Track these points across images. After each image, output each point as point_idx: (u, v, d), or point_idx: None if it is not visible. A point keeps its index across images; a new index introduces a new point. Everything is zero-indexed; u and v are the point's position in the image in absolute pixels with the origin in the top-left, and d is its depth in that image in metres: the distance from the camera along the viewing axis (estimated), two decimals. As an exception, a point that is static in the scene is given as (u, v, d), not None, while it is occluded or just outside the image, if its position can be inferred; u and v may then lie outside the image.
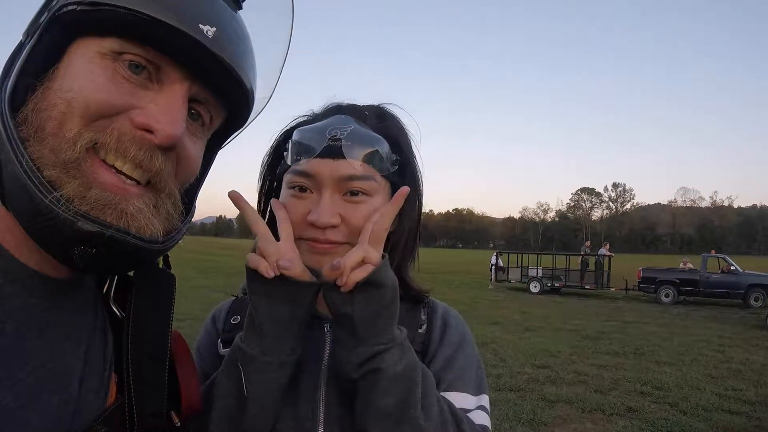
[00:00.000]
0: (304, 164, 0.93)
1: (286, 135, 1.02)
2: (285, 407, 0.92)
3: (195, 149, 0.74)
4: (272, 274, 0.83)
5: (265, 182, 1.08)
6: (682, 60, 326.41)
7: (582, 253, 22.38)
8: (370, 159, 0.93)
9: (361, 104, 1.05)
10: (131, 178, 0.65)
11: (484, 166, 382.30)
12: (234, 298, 1.15)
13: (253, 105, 0.80)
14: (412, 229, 1.06)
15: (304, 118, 1.05)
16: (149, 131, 0.63)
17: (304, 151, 0.93)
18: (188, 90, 0.68)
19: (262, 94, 0.82)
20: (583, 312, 15.17)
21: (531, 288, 21.13)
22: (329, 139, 0.91)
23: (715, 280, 17.79)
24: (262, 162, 1.08)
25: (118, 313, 0.79)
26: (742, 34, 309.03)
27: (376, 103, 1.07)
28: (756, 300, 16.77)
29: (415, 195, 1.05)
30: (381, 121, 1.02)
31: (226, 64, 0.68)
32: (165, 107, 0.64)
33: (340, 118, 0.96)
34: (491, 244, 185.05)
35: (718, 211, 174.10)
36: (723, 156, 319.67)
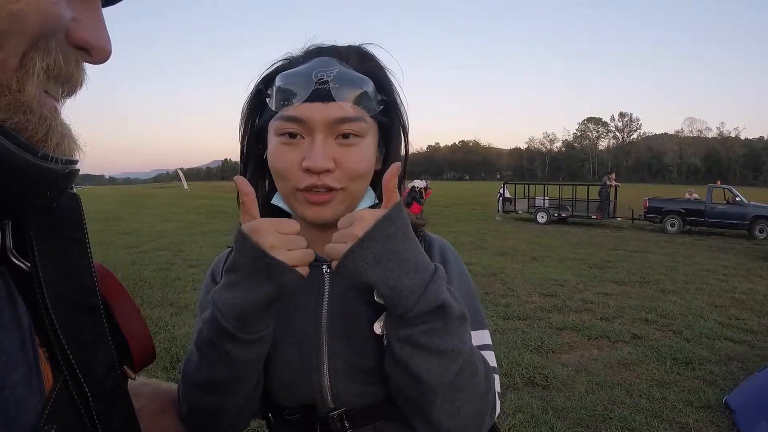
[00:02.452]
0: (294, 109, 0.90)
1: (266, 81, 0.99)
2: (289, 352, 0.96)
3: None
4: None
5: (248, 131, 1.03)
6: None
7: (601, 183, 21.90)
8: (360, 100, 0.92)
9: (341, 45, 1.01)
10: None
11: (490, 96, 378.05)
12: (230, 249, 1.02)
13: None
14: (402, 166, 1.04)
15: (283, 62, 1.01)
16: (84, 49, 0.54)
17: (290, 96, 0.91)
18: None
19: None
20: (590, 241, 15.29)
21: (538, 218, 21.22)
22: (316, 82, 0.89)
23: (720, 211, 17.77)
24: (242, 110, 1.03)
25: (22, 266, 0.58)
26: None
27: (355, 43, 1.03)
28: (761, 231, 16.78)
29: (401, 133, 1.04)
30: (363, 62, 0.99)
31: None
32: (96, 19, 0.55)
33: (323, 61, 0.93)
34: (498, 176, 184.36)
35: (725, 142, 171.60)
36: (731, 87, 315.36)
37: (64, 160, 0.53)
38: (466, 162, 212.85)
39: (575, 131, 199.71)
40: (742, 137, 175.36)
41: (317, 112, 0.89)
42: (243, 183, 0.85)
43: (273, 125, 0.94)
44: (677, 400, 4.44)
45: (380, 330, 0.89)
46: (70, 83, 0.54)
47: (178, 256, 11.73)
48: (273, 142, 0.94)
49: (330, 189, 0.92)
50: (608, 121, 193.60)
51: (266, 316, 0.86)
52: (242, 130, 1.03)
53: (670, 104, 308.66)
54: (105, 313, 0.66)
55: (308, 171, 0.90)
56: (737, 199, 17.78)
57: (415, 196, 20.15)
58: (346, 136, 0.91)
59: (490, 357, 0.99)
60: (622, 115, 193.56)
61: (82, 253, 0.63)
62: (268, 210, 1.01)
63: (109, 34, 0.56)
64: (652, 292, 8.46)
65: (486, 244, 14.05)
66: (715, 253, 13.46)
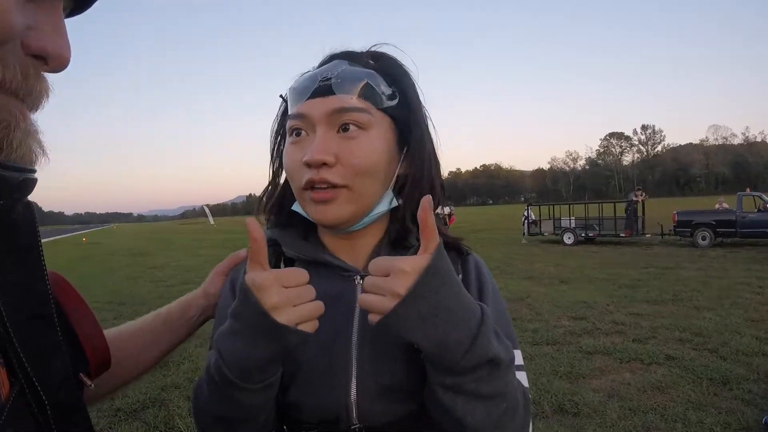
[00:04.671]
0: (298, 107, 0.92)
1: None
2: (317, 366, 0.93)
3: None
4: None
5: (277, 141, 1.06)
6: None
7: (628, 200, 21.67)
8: (363, 92, 0.91)
9: (351, 50, 1.02)
10: None
11: (509, 118, 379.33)
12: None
13: None
14: (426, 168, 0.99)
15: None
16: (42, 58, 0.52)
17: (298, 97, 0.93)
18: None
19: None
20: (619, 260, 15.04)
21: (565, 239, 21.01)
22: (320, 80, 0.91)
23: (752, 220, 17.32)
24: (272, 125, 1.07)
25: None
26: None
27: (372, 47, 1.04)
28: (797, 238, 16.39)
29: (419, 129, 0.99)
30: (376, 62, 1.00)
31: None
32: (56, 26, 0.52)
33: (333, 63, 0.96)
34: (522, 198, 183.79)
35: (752, 147, 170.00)
36: (753, 90, 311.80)
37: (18, 167, 0.52)
38: (489, 186, 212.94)
39: (598, 148, 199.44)
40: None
41: (317, 106, 0.90)
42: (253, 227, 0.80)
43: (286, 126, 0.96)
44: (714, 422, 4.27)
45: None
46: (32, 97, 0.52)
47: (204, 291, 11.81)
48: (286, 144, 0.97)
49: (332, 186, 0.90)
50: (631, 135, 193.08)
51: (272, 367, 0.83)
52: (272, 142, 1.07)
53: (693, 113, 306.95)
54: (61, 321, 0.64)
55: (308, 166, 0.89)
56: (768, 206, 17.40)
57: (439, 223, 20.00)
58: (346, 128, 0.90)
59: (523, 378, 0.96)
60: (644, 127, 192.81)
61: (35, 261, 0.62)
62: (292, 217, 1.03)
63: (71, 43, 0.54)
64: (685, 310, 8.25)
65: (512, 269, 13.89)
66: (750, 264, 13.14)
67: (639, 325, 7.42)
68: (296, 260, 0.99)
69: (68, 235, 71.82)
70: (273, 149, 1.06)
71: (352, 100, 0.90)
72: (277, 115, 1.06)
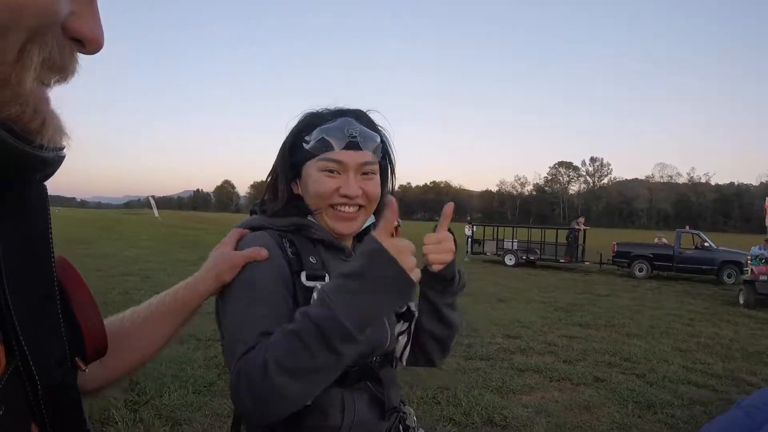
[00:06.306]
0: (336, 154, 1.27)
1: (303, 127, 1.33)
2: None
3: None
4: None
5: (286, 160, 1.36)
6: (660, 35, 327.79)
7: (570, 228, 22.19)
8: (375, 149, 1.32)
9: (353, 108, 1.38)
10: None
11: (461, 139, 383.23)
12: (282, 231, 1.31)
13: None
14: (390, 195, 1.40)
15: (312, 117, 1.35)
16: (78, 41, 0.54)
17: (330, 145, 1.27)
18: None
19: None
20: (557, 285, 15.33)
21: (506, 261, 21.30)
22: (348, 136, 1.27)
23: (689, 256, 18.02)
24: (283, 145, 1.37)
25: None
26: (717, 8, 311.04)
27: (363, 108, 1.39)
28: (729, 276, 17.01)
29: (392, 173, 1.45)
30: (369, 123, 1.37)
31: None
32: (93, 13, 0.55)
33: (347, 120, 1.31)
34: (468, 217, 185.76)
35: (695, 187, 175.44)
36: (701, 133, 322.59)
37: (55, 148, 0.56)
38: (438, 203, 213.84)
39: (546, 175, 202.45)
40: (713, 183, 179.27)
41: (351, 157, 1.28)
42: (393, 203, 1.07)
43: (317, 163, 1.29)
44: (637, 444, 4.31)
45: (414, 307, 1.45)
46: (63, 73, 0.54)
47: (144, 282, 11.61)
48: (316, 174, 1.29)
49: (359, 207, 1.31)
50: (579, 166, 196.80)
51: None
52: (281, 158, 1.37)
53: (641, 150, 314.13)
54: (62, 304, 0.67)
55: (345, 197, 1.27)
56: (705, 244, 18.05)
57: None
58: (366, 173, 1.30)
59: None
60: (593, 159, 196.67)
61: (44, 244, 0.64)
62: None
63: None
64: (616, 336, 8.43)
65: (454, 285, 13.87)
66: (683, 297, 13.56)
67: (571, 347, 7.54)
68: (324, 242, 1.32)
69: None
70: (283, 168, 1.37)
71: (371, 155, 1.30)
72: (291, 137, 1.36)
